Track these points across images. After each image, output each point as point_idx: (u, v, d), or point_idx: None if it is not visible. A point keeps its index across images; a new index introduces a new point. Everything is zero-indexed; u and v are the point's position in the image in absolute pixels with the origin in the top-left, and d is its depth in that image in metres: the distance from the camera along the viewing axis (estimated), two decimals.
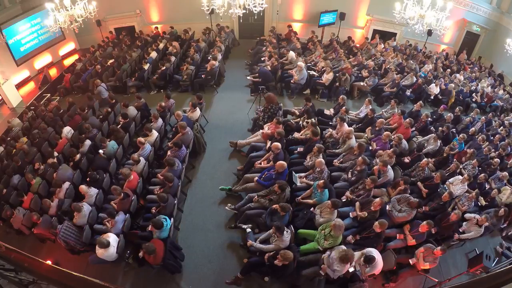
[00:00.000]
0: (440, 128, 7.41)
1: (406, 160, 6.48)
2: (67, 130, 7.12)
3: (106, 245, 4.39)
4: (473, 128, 7.87)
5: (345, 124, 6.83)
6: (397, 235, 5.02)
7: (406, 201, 5.22)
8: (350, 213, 5.22)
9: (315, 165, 5.68)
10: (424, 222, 4.78)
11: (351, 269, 4.34)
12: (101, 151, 6.42)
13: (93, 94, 8.50)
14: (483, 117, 8.50)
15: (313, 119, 6.88)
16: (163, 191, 5.27)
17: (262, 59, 10.35)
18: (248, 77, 9.47)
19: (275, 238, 4.53)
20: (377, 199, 5.00)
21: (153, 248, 4.28)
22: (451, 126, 7.55)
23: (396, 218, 5.14)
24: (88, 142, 6.62)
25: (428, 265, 4.63)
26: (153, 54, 10.43)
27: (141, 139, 6.33)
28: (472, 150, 6.72)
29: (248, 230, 5.06)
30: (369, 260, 4.23)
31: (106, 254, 4.44)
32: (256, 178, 5.68)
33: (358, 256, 4.43)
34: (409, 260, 4.76)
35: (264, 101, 7.65)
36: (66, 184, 5.69)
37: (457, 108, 8.38)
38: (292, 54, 10.09)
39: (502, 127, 8.46)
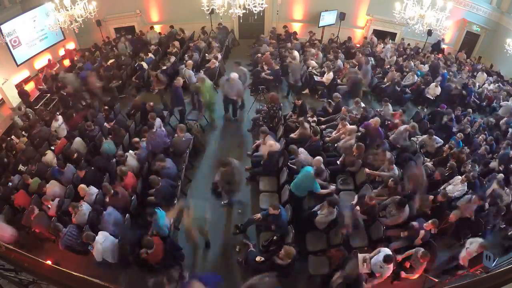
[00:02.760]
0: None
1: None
2: (59, 123, 7.20)
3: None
4: (470, 129, 7.83)
5: (347, 124, 6.80)
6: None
7: (394, 204, 5.16)
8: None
9: (314, 164, 5.58)
10: (430, 221, 4.78)
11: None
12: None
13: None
14: (480, 118, 8.49)
15: (304, 117, 6.90)
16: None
17: None
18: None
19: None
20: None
21: (152, 243, 4.30)
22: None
23: (390, 223, 5.13)
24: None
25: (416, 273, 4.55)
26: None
27: (137, 139, 6.36)
28: (466, 149, 6.71)
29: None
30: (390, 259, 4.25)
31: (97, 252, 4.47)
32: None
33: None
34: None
35: (264, 101, 7.63)
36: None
37: (456, 108, 8.37)
38: (296, 53, 10.01)
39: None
